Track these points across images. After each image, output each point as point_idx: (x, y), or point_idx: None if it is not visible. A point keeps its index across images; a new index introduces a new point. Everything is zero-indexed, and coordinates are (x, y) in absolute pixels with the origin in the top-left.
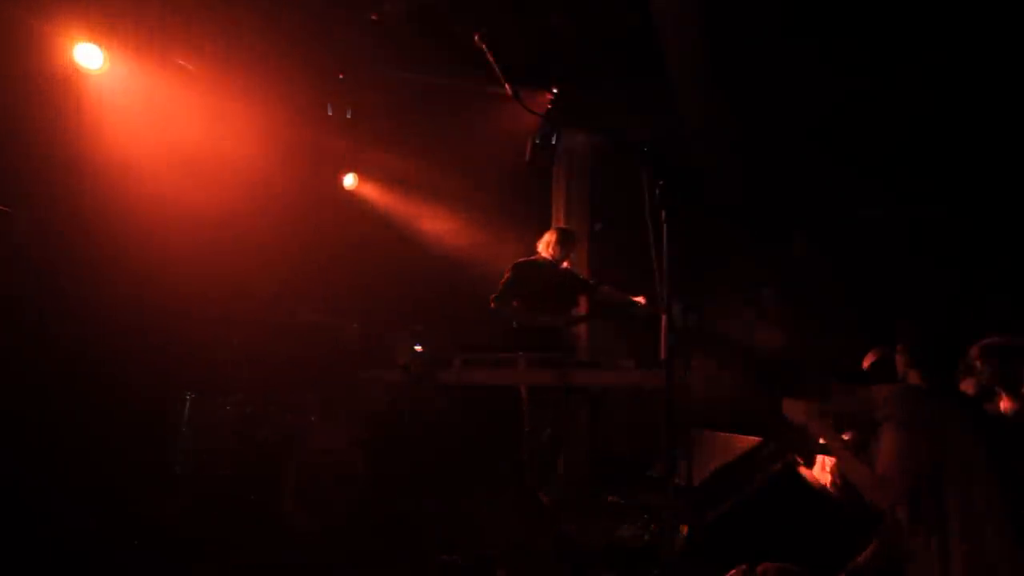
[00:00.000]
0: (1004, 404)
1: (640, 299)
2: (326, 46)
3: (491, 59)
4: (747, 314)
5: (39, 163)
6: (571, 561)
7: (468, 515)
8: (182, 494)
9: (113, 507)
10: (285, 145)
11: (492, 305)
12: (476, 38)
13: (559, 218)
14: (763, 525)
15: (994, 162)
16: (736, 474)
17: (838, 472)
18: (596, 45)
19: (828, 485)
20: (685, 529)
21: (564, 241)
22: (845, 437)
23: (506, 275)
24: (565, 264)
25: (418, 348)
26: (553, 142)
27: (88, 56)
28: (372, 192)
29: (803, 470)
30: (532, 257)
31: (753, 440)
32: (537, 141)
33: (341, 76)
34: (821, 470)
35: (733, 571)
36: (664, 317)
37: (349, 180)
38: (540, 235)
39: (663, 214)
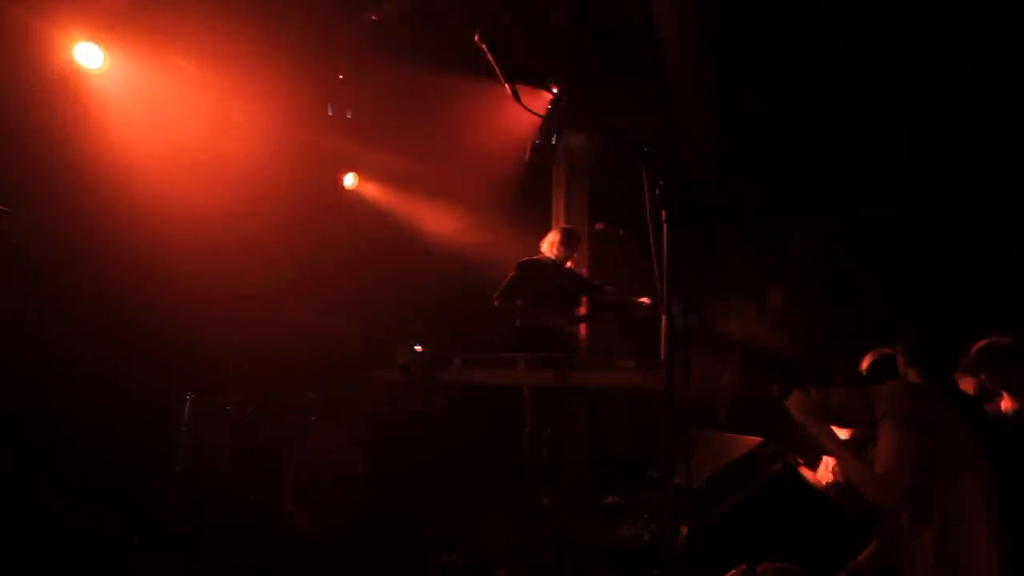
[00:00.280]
0: (1004, 404)
1: (644, 300)
2: (327, 46)
3: (491, 59)
4: (748, 314)
5: (39, 163)
6: (571, 561)
7: (468, 515)
8: (182, 493)
9: (113, 506)
10: (285, 145)
11: (496, 303)
12: (476, 37)
13: (559, 218)
14: (763, 525)
15: (997, 162)
16: (736, 474)
17: (839, 472)
18: (596, 45)
19: (830, 485)
20: (685, 529)
21: (568, 241)
22: (845, 436)
23: (510, 274)
24: (568, 264)
25: (418, 348)
26: (553, 142)
27: (88, 55)
28: (372, 192)
29: (803, 470)
30: (536, 257)
31: (753, 440)
32: (537, 141)
33: (341, 76)
34: (824, 470)
35: (733, 571)
36: (664, 317)
37: (349, 180)
38: (541, 235)
39: (663, 214)
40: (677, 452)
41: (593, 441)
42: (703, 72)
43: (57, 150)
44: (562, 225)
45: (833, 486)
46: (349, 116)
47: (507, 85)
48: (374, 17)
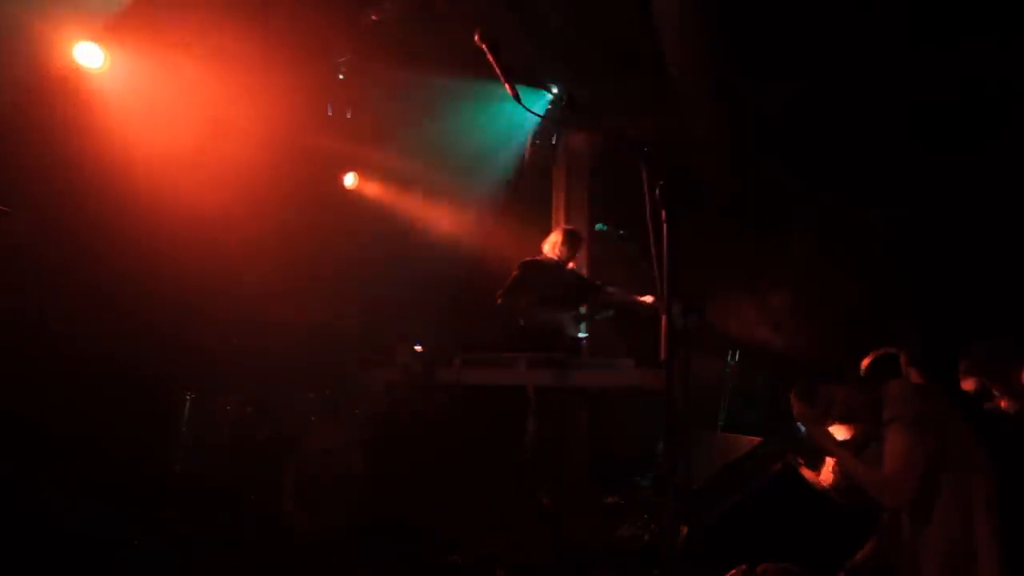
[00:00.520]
0: (1005, 404)
1: (647, 298)
2: (327, 46)
3: (491, 58)
4: (748, 314)
5: (39, 163)
6: (571, 561)
7: (468, 515)
8: (182, 493)
9: (113, 506)
10: (285, 145)
11: (499, 302)
12: (476, 37)
13: (559, 218)
14: (763, 525)
15: (1001, 161)
16: (736, 474)
17: (840, 473)
18: (596, 45)
19: (831, 485)
20: (685, 529)
21: (570, 241)
22: (845, 436)
23: (514, 273)
24: (571, 264)
25: (418, 348)
26: (553, 142)
27: (88, 55)
28: (373, 192)
29: (804, 471)
30: (539, 257)
31: (753, 440)
32: (537, 141)
33: (341, 76)
34: (826, 470)
35: (733, 571)
36: (664, 317)
37: (350, 179)
38: (541, 235)
39: (663, 214)
40: (677, 452)
41: (593, 441)
42: (704, 71)
43: (57, 150)
44: (564, 226)
45: (834, 486)
46: (349, 116)
47: (507, 85)
48: (374, 17)
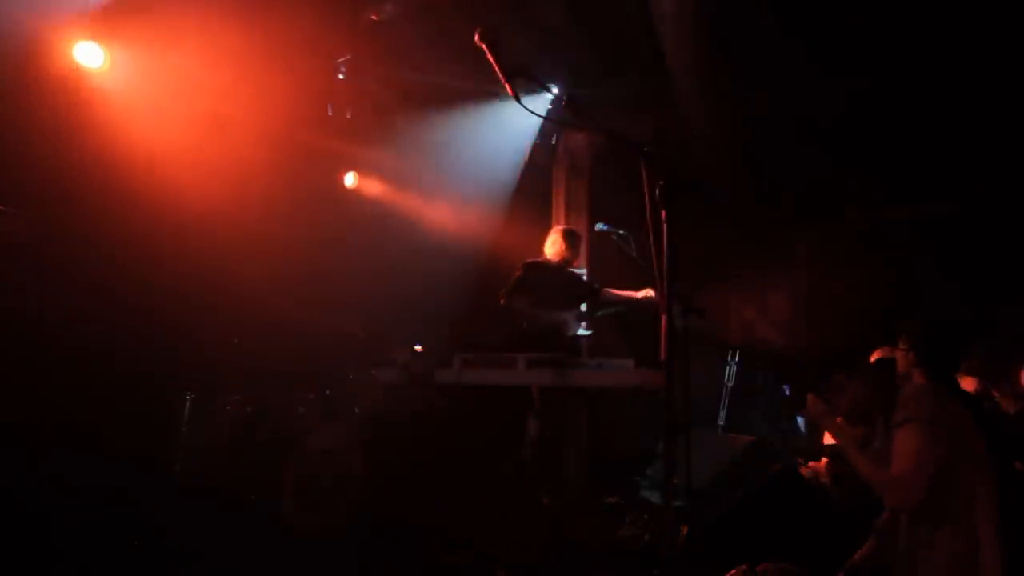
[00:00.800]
0: (1006, 405)
1: (648, 292)
2: (328, 45)
3: (491, 58)
4: (749, 314)
5: (39, 162)
6: (571, 561)
7: (468, 515)
8: (182, 494)
9: (113, 506)
10: (286, 144)
11: (502, 302)
12: (476, 37)
13: (559, 218)
14: (763, 525)
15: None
16: (736, 474)
17: (832, 475)
18: (596, 45)
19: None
20: (685, 529)
21: (569, 241)
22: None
23: (516, 274)
24: (574, 264)
25: (418, 348)
26: (553, 142)
27: (88, 54)
28: (373, 191)
29: (804, 471)
30: (540, 259)
31: (753, 440)
32: (537, 141)
33: (341, 76)
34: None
35: (733, 571)
36: (664, 317)
37: (350, 179)
38: (541, 234)
39: (663, 214)
40: (677, 452)
41: (593, 441)
42: (704, 71)
43: (57, 149)
44: (563, 226)
45: (831, 484)
46: (349, 116)
47: (507, 85)
48: (374, 17)
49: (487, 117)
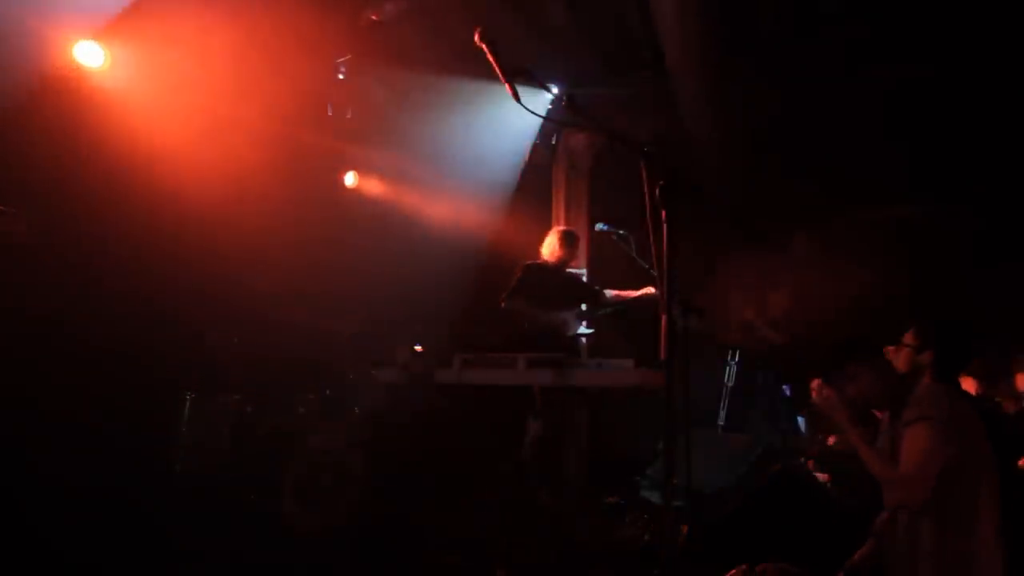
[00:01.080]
0: (1007, 405)
1: (649, 289)
2: (328, 45)
3: (491, 58)
4: (749, 314)
5: (39, 162)
6: (571, 561)
7: (468, 515)
8: (182, 493)
9: (113, 506)
10: (286, 144)
11: (502, 304)
12: (476, 36)
13: (559, 218)
14: (763, 525)
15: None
16: (736, 474)
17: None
18: (597, 44)
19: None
20: (685, 529)
21: (567, 243)
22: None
23: (516, 275)
24: (572, 265)
25: (418, 348)
26: (553, 142)
27: (89, 54)
28: (373, 191)
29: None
30: (539, 260)
31: (752, 440)
32: (537, 141)
33: (341, 76)
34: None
35: (733, 571)
36: (664, 317)
37: (350, 179)
38: (541, 235)
39: (663, 214)
40: (677, 452)
41: (593, 441)
42: (705, 71)
43: (57, 149)
44: (560, 228)
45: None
46: (349, 116)
47: (507, 85)
48: (374, 17)
49: (487, 117)
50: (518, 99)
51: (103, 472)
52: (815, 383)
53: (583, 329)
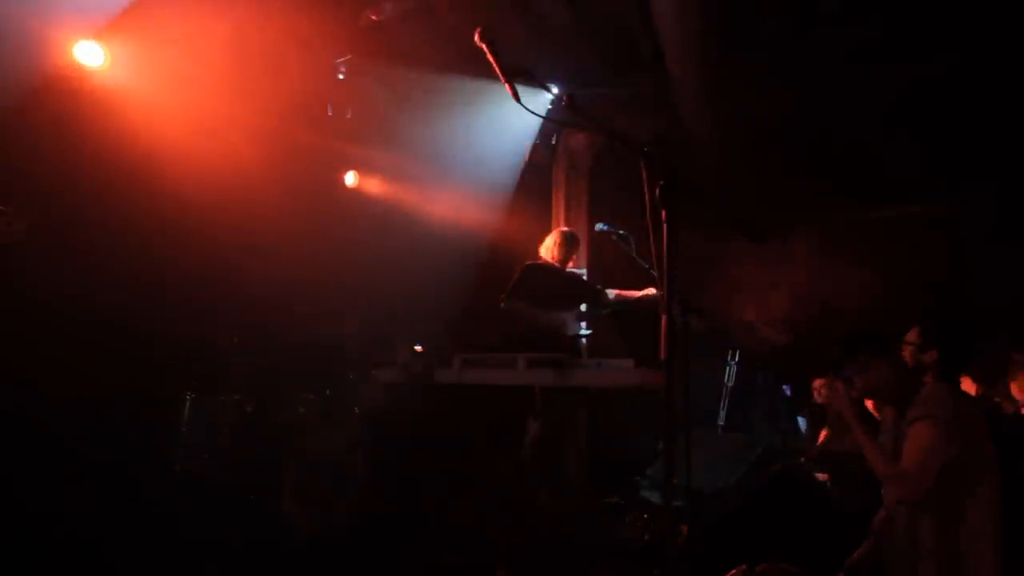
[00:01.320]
0: (1007, 406)
1: (650, 291)
2: (328, 45)
3: (491, 58)
4: (750, 314)
5: (39, 162)
6: (571, 561)
7: (468, 515)
8: (182, 493)
9: (112, 506)
10: (286, 144)
11: (502, 305)
12: (476, 36)
13: (559, 218)
14: (763, 525)
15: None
16: (736, 474)
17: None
18: (597, 44)
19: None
20: (685, 529)
21: (566, 244)
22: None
23: (515, 276)
24: (570, 265)
25: (418, 348)
26: (553, 142)
27: (89, 53)
28: (373, 191)
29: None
30: (538, 260)
31: (752, 440)
32: (537, 141)
33: (341, 76)
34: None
35: (733, 571)
36: (664, 317)
37: (350, 179)
38: (542, 235)
39: (663, 214)
40: (677, 452)
41: (593, 441)
42: (705, 70)
43: (57, 149)
44: (561, 228)
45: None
46: (349, 116)
47: (507, 85)
48: (374, 17)
49: (487, 117)
50: (518, 99)
51: (103, 472)
52: (816, 383)
53: (582, 330)
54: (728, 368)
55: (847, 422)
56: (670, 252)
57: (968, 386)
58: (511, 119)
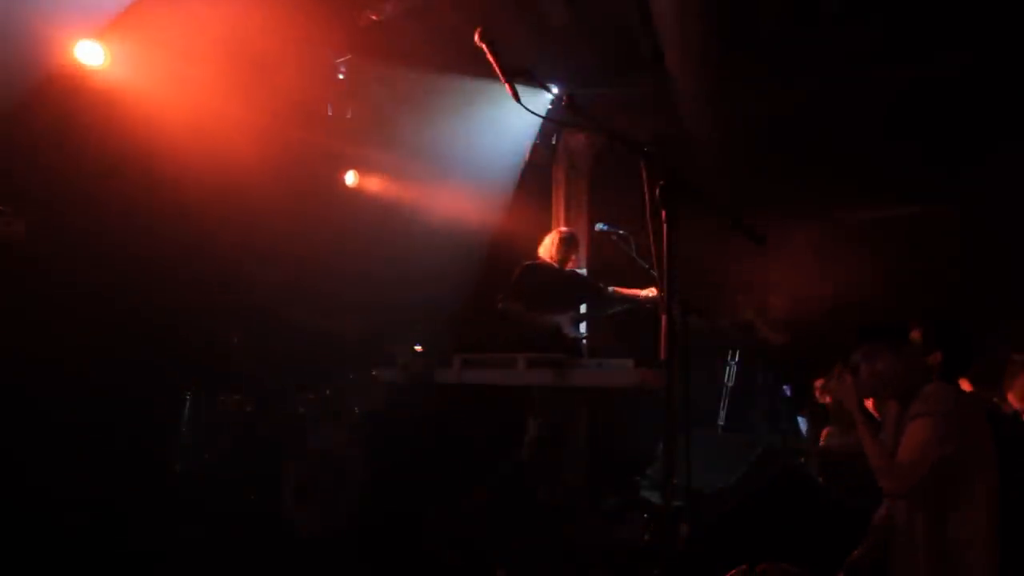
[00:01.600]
0: (1007, 407)
1: (651, 291)
2: (328, 45)
3: (491, 58)
4: (750, 314)
5: (39, 162)
6: (571, 561)
7: (468, 515)
8: (182, 493)
9: (112, 506)
10: (287, 143)
11: (500, 305)
12: (476, 36)
13: (559, 218)
14: (763, 525)
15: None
16: (736, 474)
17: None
18: (597, 44)
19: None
20: (685, 529)
21: (565, 243)
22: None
23: (514, 276)
24: (570, 265)
25: (418, 348)
26: (553, 142)
27: (89, 53)
28: (373, 191)
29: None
30: (537, 261)
31: (751, 440)
32: (537, 141)
33: (341, 76)
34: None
35: (733, 571)
36: (664, 317)
37: (350, 178)
38: (542, 235)
39: (663, 214)
40: (677, 452)
41: (593, 441)
42: (705, 70)
43: (57, 149)
44: (559, 228)
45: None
46: (349, 116)
47: (507, 85)
48: (374, 17)
49: (487, 117)
50: (518, 99)
51: (103, 472)
52: (817, 383)
53: (578, 332)
54: (728, 368)
55: (849, 418)
56: (670, 252)
57: (965, 387)
58: (511, 119)
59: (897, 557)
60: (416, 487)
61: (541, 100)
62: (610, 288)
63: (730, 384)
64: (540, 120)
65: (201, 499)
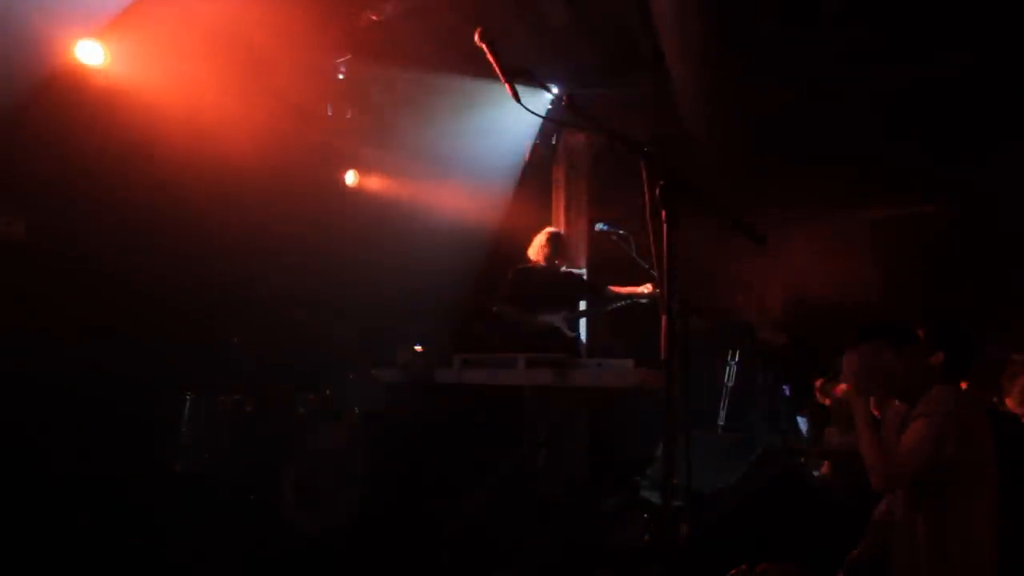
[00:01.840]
0: (1004, 408)
1: (648, 287)
2: (328, 44)
3: (491, 58)
4: (749, 314)
5: (39, 162)
6: (571, 561)
7: (468, 515)
8: (182, 493)
9: (112, 506)
10: (287, 143)
11: (493, 309)
12: (476, 36)
13: (559, 218)
14: (763, 525)
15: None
16: (736, 474)
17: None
18: (597, 44)
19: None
20: (685, 529)
21: (552, 243)
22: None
23: (507, 279)
24: (560, 265)
25: (418, 348)
26: (553, 142)
27: (89, 52)
28: (373, 191)
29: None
30: (528, 263)
31: (751, 440)
32: (537, 141)
33: (341, 76)
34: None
35: (733, 571)
36: (664, 317)
37: (350, 178)
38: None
39: (663, 214)
40: (677, 452)
41: (593, 441)
42: (705, 70)
43: (58, 148)
44: (547, 229)
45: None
46: (349, 116)
47: (507, 85)
48: (374, 17)
49: (487, 117)
50: (518, 99)
51: (103, 472)
52: (817, 383)
53: (575, 331)
54: (728, 368)
55: (849, 418)
56: (670, 252)
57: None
58: (511, 119)
59: (897, 556)
60: (416, 487)
61: (541, 100)
62: (608, 287)
63: (730, 384)
64: (540, 120)
65: (201, 499)
